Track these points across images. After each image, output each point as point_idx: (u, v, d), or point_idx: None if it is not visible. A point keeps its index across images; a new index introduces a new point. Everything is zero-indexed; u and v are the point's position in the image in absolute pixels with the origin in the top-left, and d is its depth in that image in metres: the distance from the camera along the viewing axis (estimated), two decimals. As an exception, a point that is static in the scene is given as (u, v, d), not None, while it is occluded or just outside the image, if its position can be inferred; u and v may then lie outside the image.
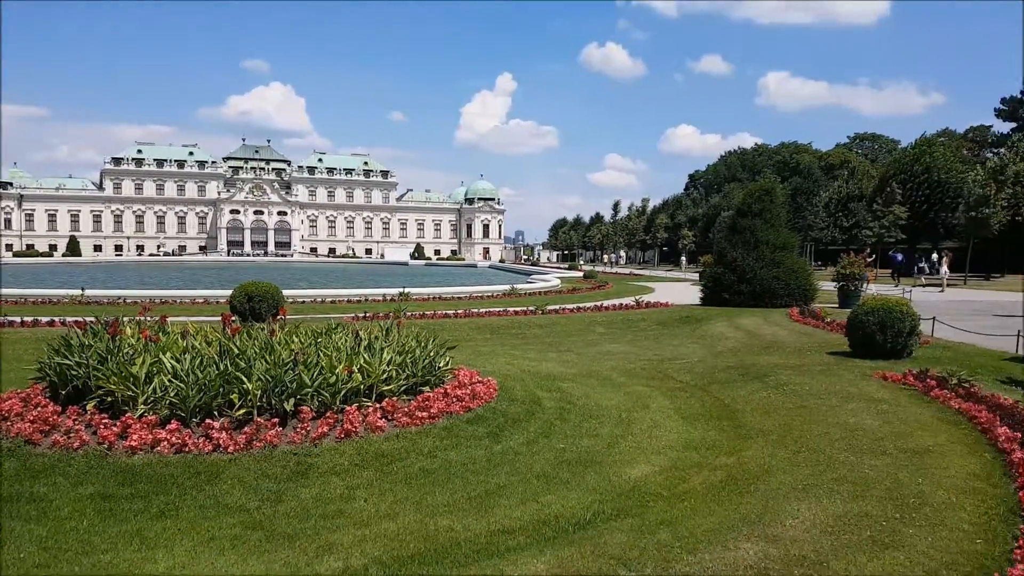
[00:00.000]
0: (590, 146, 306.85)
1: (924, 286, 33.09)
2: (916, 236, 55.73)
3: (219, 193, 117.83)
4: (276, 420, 6.02)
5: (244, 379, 6.13)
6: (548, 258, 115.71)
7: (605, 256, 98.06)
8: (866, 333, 11.09)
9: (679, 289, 30.82)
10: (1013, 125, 67.63)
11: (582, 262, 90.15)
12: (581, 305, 21.19)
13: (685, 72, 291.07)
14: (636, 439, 6.85)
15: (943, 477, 5.48)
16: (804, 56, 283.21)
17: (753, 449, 6.46)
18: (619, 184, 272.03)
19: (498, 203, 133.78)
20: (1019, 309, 19.86)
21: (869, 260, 25.14)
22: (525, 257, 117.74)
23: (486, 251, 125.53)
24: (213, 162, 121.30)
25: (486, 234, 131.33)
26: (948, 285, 32.88)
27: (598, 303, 21.44)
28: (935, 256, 45.31)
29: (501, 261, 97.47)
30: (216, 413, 6.08)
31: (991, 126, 79.78)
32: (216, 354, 6.63)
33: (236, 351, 6.65)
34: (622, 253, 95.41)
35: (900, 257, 40.02)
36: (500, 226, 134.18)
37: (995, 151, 62.95)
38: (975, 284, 37.65)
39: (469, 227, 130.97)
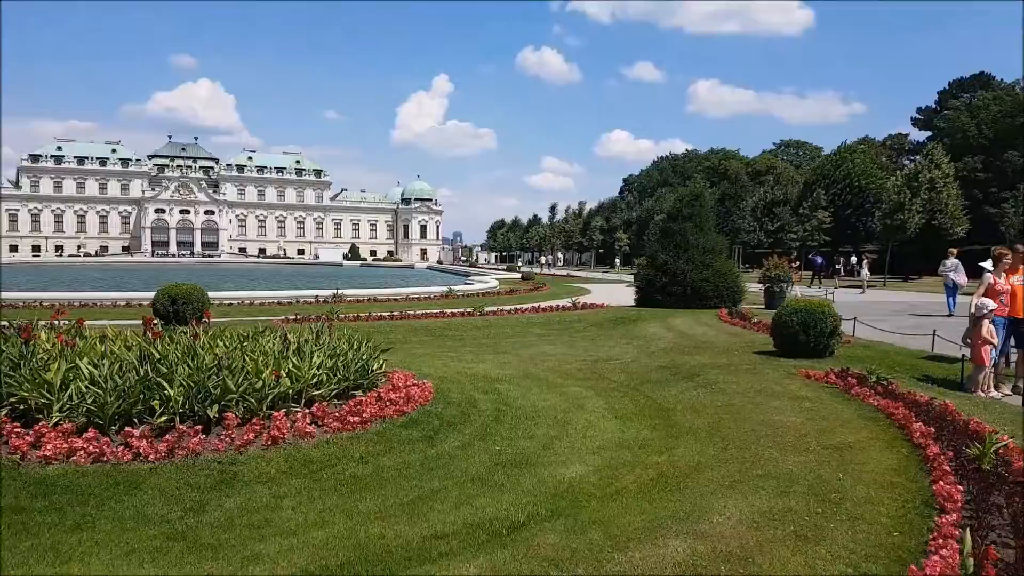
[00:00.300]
0: (527, 149, 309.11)
1: (844, 287, 34.41)
2: (839, 239, 57.97)
3: (143, 192, 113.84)
4: (199, 427, 5.81)
5: (166, 385, 5.91)
6: (486, 259, 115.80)
7: (543, 258, 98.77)
8: (790, 333, 11.43)
9: (614, 291, 31.23)
10: (928, 134, 71.19)
11: (520, 263, 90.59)
12: (519, 306, 21.25)
13: (619, 78, 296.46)
14: (571, 439, 6.89)
15: (863, 472, 5.67)
16: (732, 65, 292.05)
17: (683, 447, 6.57)
18: (556, 187, 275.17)
19: (435, 204, 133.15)
20: (934, 310, 20.85)
21: (795, 264, 25.99)
22: (463, 258, 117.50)
23: (423, 252, 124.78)
24: (137, 160, 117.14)
25: (423, 235, 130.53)
26: (868, 287, 34.29)
27: (536, 304, 21.55)
28: (854, 259, 47.18)
29: (439, 262, 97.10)
30: (136, 420, 5.84)
31: (908, 134, 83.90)
32: (136, 359, 6.38)
33: (158, 356, 6.42)
34: (560, 255, 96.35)
35: (820, 260, 41.48)
36: (438, 227, 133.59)
37: (912, 158, 66.07)
38: (894, 286, 39.33)
39: (406, 228, 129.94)
